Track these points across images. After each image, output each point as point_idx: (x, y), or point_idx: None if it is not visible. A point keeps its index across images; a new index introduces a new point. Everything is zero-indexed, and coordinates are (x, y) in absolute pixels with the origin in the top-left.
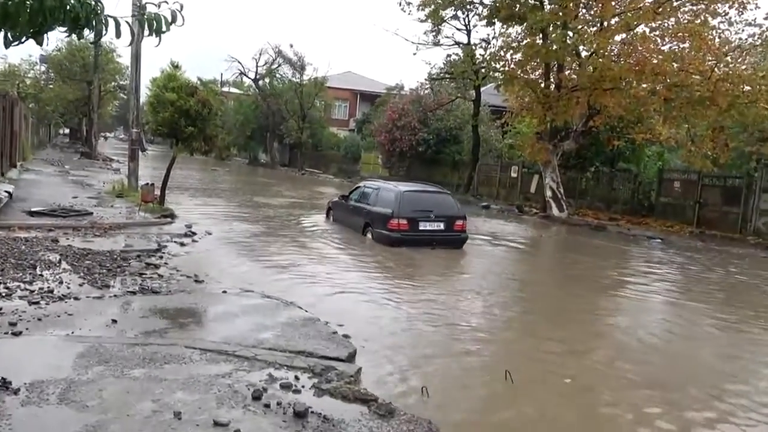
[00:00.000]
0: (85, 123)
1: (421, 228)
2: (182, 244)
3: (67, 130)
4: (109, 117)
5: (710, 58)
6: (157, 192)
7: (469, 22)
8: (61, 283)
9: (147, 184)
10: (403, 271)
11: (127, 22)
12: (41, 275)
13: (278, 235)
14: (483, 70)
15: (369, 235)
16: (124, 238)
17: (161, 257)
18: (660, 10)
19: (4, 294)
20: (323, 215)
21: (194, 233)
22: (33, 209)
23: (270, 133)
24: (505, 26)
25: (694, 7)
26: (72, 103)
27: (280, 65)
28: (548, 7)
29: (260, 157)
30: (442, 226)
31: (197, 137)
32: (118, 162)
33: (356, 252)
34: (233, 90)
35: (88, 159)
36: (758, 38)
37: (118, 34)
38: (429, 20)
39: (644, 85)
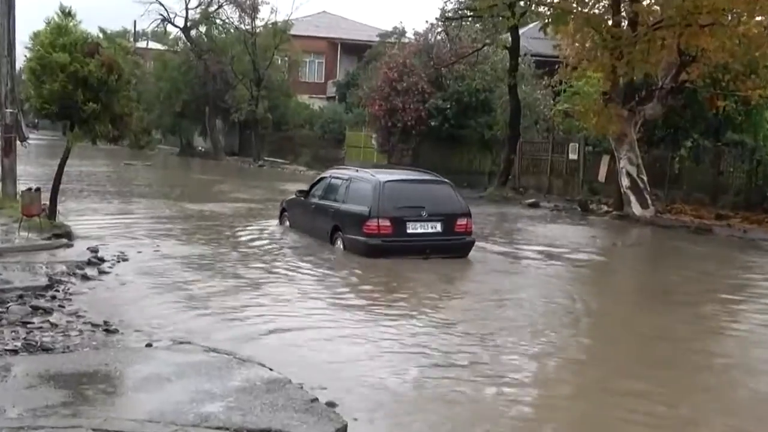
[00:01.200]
0: None
1: (410, 231)
2: (85, 277)
3: None
4: None
5: None
6: (46, 201)
7: None
8: None
9: (30, 189)
10: (394, 296)
11: None
12: None
13: (221, 256)
14: (522, 3)
15: (339, 244)
16: None
17: (54, 297)
18: None
19: None
20: (275, 220)
21: (102, 260)
22: None
23: (210, 107)
24: None
25: None
26: None
27: (221, 5)
28: None
29: (196, 142)
30: (438, 227)
31: (102, 117)
32: None
33: (323, 270)
34: (153, 45)
35: None
36: None
37: None
38: None
39: (759, 18)
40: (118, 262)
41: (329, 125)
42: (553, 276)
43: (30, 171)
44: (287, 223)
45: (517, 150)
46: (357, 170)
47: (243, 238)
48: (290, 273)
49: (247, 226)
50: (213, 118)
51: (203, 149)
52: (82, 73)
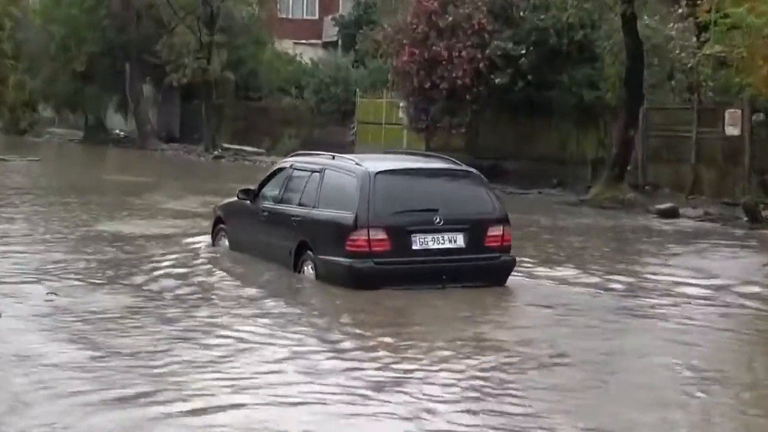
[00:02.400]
0: None
1: (416, 247)
2: None
3: None
4: None
5: None
6: None
7: None
8: None
9: None
10: (404, 368)
11: None
12: None
13: (136, 301)
14: None
15: (308, 270)
16: None
17: None
18: None
19: None
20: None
21: None
22: None
23: (133, 64)
24: None
25: None
26: None
27: None
28: None
29: (111, 123)
30: (459, 239)
31: None
32: None
33: (280, 328)
34: None
35: None
36: None
37: None
38: None
39: None
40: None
41: (328, 89)
42: (704, 338)
43: None
44: (224, 241)
45: (640, 123)
46: (334, 156)
47: (159, 272)
48: (238, 333)
49: (166, 254)
50: (137, 82)
51: (123, 133)
52: None
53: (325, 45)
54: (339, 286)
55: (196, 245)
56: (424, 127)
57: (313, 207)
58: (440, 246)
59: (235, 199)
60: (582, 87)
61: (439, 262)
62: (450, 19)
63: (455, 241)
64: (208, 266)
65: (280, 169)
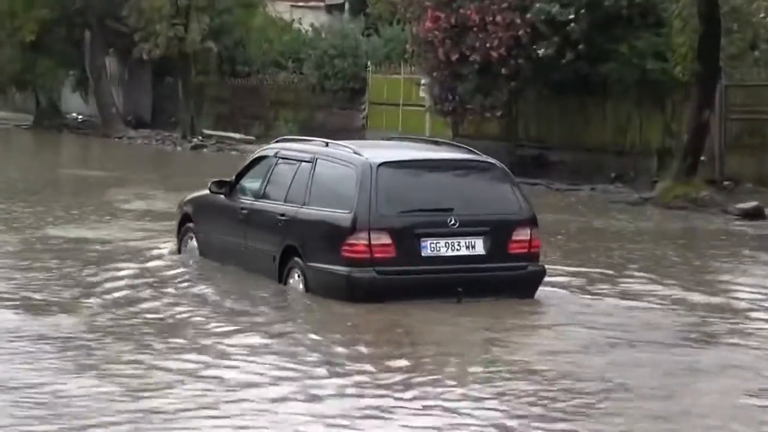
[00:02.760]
0: None
1: (425, 254)
2: None
3: None
4: None
5: None
6: None
7: None
8: None
9: None
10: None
11: None
12: None
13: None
14: None
15: (295, 281)
16: None
17: None
18: None
19: None
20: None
21: None
22: None
23: (94, 33)
24: None
25: None
26: None
27: None
28: None
29: (68, 105)
30: (479, 245)
31: None
32: None
33: (265, 357)
34: None
35: None
36: None
37: None
38: None
39: None
40: None
41: (332, 62)
42: None
43: None
44: (192, 245)
45: (717, 103)
46: (327, 144)
47: (119, 290)
48: (193, 378)
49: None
50: (99, 54)
51: (81, 117)
52: None
53: (329, 8)
54: (333, 300)
55: (158, 251)
56: (451, 110)
57: (303, 204)
58: (455, 253)
59: (207, 192)
60: (645, 59)
61: (454, 271)
62: None
63: (473, 247)
64: (169, 282)
65: (263, 158)
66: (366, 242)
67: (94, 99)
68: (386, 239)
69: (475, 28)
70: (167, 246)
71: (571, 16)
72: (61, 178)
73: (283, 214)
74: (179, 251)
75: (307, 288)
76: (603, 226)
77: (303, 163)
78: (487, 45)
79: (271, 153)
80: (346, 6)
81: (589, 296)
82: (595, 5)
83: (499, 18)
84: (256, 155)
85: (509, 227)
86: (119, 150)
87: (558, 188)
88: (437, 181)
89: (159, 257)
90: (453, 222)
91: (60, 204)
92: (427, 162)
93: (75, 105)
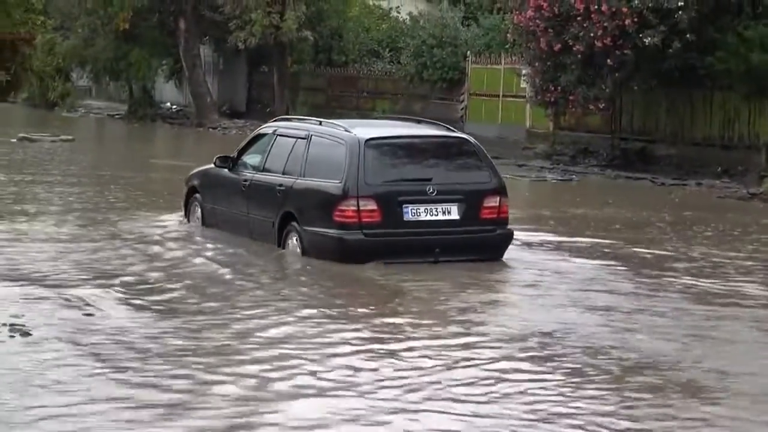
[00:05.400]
0: None
1: (407, 218)
2: None
3: None
4: None
5: None
6: None
7: None
8: None
9: None
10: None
11: None
12: None
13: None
14: None
15: (293, 244)
16: None
17: None
18: None
19: None
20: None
21: None
22: None
23: (188, 22)
24: None
25: None
26: None
27: None
28: None
29: (162, 95)
30: (454, 211)
31: None
32: None
33: (273, 304)
34: None
35: None
36: None
37: None
38: None
39: None
40: (12, 336)
41: (431, 52)
42: None
43: None
44: (198, 215)
45: None
46: (321, 122)
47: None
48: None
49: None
50: (194, 43)
51: (175, 107)
52: None
53: None
54: (326, 261)
55: (167, 222)
56: (553, 101)
57: (299, 176)
58: (433, 217)
59: (212, 166)
60: (754, 49)
61: (432, 234)
62: None
63: (449, 213)
64: (177, 249)
65: (263, 135)
66: (355, 208)
67: (188, 89)
68: (372, 205)
69: (578, 17)
70: (171, 215)
71: (680, 4)
72: (153, 168)
73: (281, 185)
74: (188, 220)
75: (303, 250)
76: (708, 221)
77: (299, 140)
78: (591, 34)
79: (270, 131)
80: None
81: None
82: None
83: (604, 6)
84: (256, 133)
85: (480, 196)
86: (213, 140)
87: (663, 182)
88: (417, 155)
89: (165, 234)
90: (431, 190)
91: (163, 192)
92: (408, 138)
93: (169, 95)
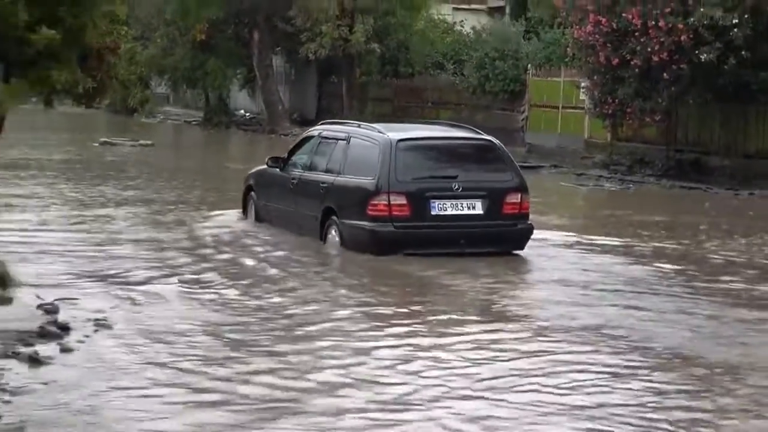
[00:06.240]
0: None
1: (434, 212)
2: (35, 361)
3: None
4: None
5: None
6: None
7: None
8: None
9: None
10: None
11: None
12: None
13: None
14: None
15: (333, 235)
16: None
17: None
18: None
19: None
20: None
21: (65, 327)
22: None
23: (262, 33)
24: None
25: None
26: None
27: None
28: None
29: (236, 102)
30: (478, 206)
31: (64, 55)
32: None
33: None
34: None
35: None
36: None
37: None
38: None
39: None
40: (96, 330)
41: (494, 64)
42: None
43: None
44: (254, 213)
45: None
46: (360, 125)
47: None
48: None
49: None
50: (267, 54)
51: (248, 114)
52: None
53: (491, 11)
54: (360, 252)
55: (228, 218)
56: (611, 113)
57: (339, 174)
58: (458, 212)
59: (266, 167)
60: None
61: (457, 227)
62: None
63: (473, 208)
64: (239, 251)
65: (309, 137)
66: (386, 202)
67: (260, 97)
68: (402, 200)
69: (636, 33)
70: (231, 212)
71: (735, 21)
72: (226, 171)
73: (323, 182)
74: (246, 216)
75: (342, 241)
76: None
77: (340, 141)
78: (648, 49)
79: (315, 133)
80: (507, 9)
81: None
82: (760, 10)
83: (661, 22)
84: (304, 135)
85: (503, 193)
86: (284, 146)
87: (717, 192)
88: (445, 155)
89: (220, 226)
90: (457, 187)
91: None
92: (436, 139)
93: (242, 102)
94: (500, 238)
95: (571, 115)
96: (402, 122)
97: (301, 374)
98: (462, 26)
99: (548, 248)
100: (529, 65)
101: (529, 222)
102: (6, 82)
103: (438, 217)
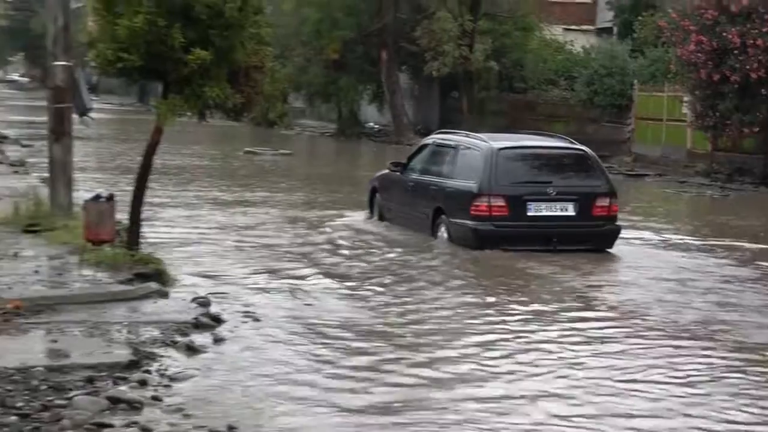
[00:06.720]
0: None
1: (530, 214)
2: (191, 349)
3: None
4: None
5: None
6: (121, 216)
7: None
8: None
9: (98, 198)
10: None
11: None
12: None
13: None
14: None
15: (442, 232)
16: (47, 336)
17: (144, 383)
18: None
19: None
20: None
21: (218, 319)
22: None
23: (389, 52)
24: None
25: None
26: None
27: None
28: None
29: (365, 115)
30: (570, 208)
31: (216, 73)
32: (21, 146)
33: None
34: None
35: None
36: None
37: None
38: None
39: None
40: (245, 322)
41: (602, 80)
42: None
43: (91, 166)
44: (377, 213)
45: None
46: (467, 135)
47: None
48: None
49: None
50: (393, 71)
51: (377, 126)
52: None
53: (599, 31)
54: (464, 246)
55: (356, 218)
56: (711, 125)
57: (448, 177)
58: (552, 213)
59: (388, 171)
60: None
61: (551, 227)
62: (744, 2)
63: (566, 210)
64: (361, 244)
65: (426, 145)
66: (487, 204)
67: (388, 110)
68: (502, 202)
69: (735, 51)
70: (358, 213)
71: None
72: (356, 176)
73: (434, 185)
74: (370, 215)
75: (450, 237)
76: None
77: (450, 149)
78: (747, 67)
79: (430, 141)
80: (615, 30)
81: None
82: None
83: (759, 41)
84: (422, 143)
85: (594, 197)
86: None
87: None
88: (541, 162)
89: (348, 226)
90: (551, 191)
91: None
92: (534, 148)
93: (371, 115)
94: (589, 238)
95: (674, 127)
96: (511, 134)
97: (433, 364)
98: (572, 45)
99: (648, 248)
100: (635, 81)
101: (616, 224)
102: (164, 98)
103: (533, 217)
